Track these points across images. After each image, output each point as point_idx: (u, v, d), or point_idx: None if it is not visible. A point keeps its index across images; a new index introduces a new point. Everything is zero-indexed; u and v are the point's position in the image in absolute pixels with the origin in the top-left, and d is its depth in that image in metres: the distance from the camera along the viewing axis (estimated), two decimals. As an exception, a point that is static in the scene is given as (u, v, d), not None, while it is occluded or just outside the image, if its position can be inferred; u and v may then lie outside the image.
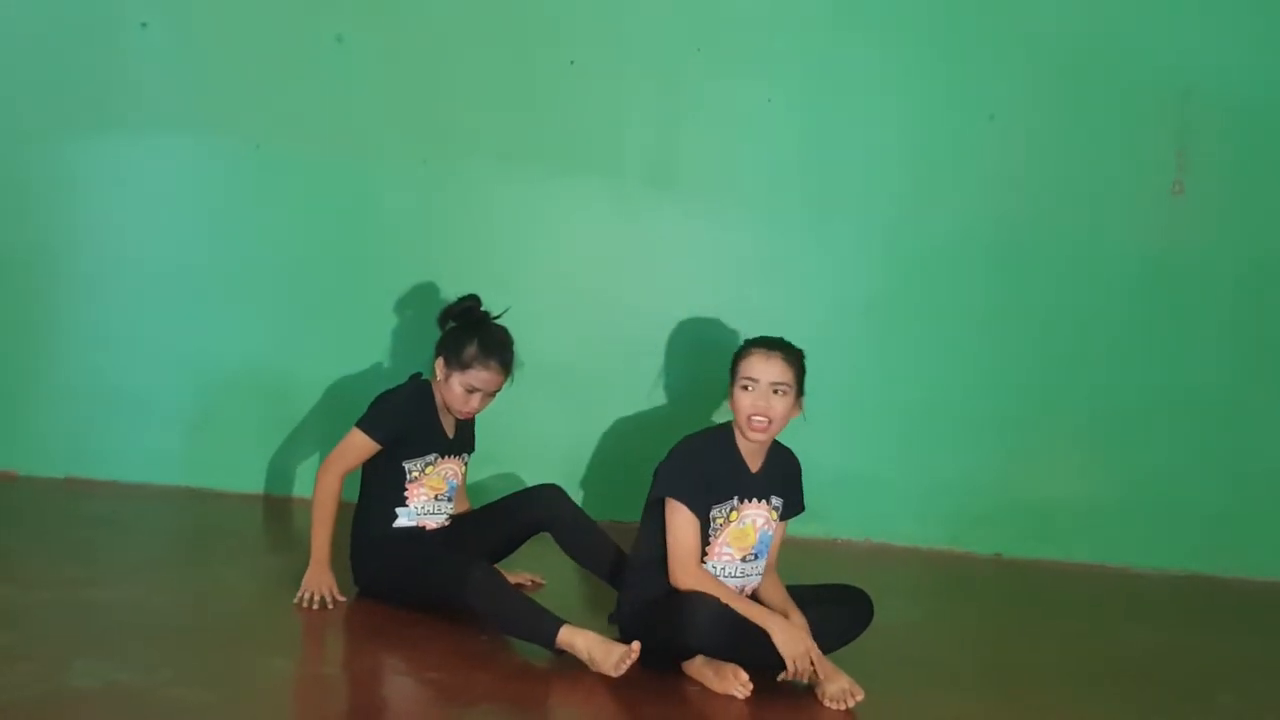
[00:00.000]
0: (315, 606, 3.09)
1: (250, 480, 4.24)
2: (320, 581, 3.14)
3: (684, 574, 2.86)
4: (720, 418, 3.06)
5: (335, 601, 3.12)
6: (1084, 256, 4.35)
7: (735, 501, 2.96)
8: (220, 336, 4.20)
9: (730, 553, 2.96)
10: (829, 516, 4.19)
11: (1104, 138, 4.32)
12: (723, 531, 2.95)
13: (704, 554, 2.94)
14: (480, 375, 3.21)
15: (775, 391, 2.91)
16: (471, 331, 3.23)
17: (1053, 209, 4.34)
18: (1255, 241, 4.37)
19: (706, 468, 2.92)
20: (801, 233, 4.30)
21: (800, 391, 2.97)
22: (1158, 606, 4.10)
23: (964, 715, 2.87)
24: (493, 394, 3.27)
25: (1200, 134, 4.33)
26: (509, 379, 3.28)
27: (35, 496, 4.03)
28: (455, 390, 3.22)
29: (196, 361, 4.21)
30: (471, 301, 3.29)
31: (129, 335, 4.19)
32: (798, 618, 2.87)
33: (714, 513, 2.93)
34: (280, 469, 4.25)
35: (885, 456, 4.35)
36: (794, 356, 2.96)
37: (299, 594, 3.12)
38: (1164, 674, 3.36)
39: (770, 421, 2.92)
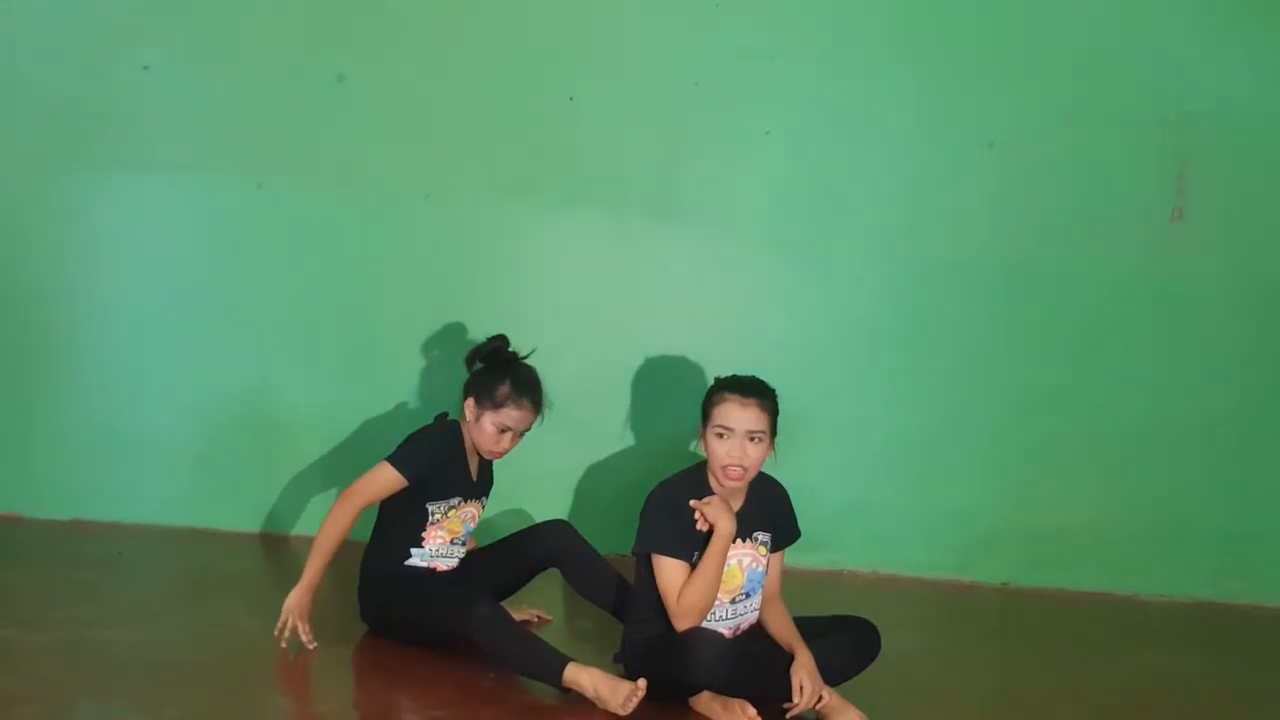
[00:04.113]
0: (284, 643, 3.03)
1: (255, 520, 4.23)
2: (298, 604, 3.05)
3: (686, 623, 2.85)
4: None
5: (306, 633, 3.04)
6: (1086, 282, 4.33)
7: None
8: (223, 376, 4.21)
9: (719, 596, 2.93)
10: (834, 546, 4.18)
11: (1103, 163, 4.31)
12: None
13: None
14: (513, 414, 3.21)
15: (751, 439, 2.88)
16: (502, 371, 3.24)
17: (1053, 235, 4.32)
18: (1258, 264, 4.35)
19: (684, 515, 2.88)
20: (803, 261, 4.29)
21: (774, 433, 2.94)
22: (1167, 634, 4.07)
23: (974, 747, 2.86)
24: (523, 434, 3.27)
25: (1200, 158, 4.32)
26: (539, 418, 3.28)
27: (40, 539, 4.03)
28: (487, 430, 3.22)
29: (200, 402, 4.21)
30: (500, 341, 3.30)
31: (132, 376, 4.20)
32: (804, 654, 2.83)
33: (696, 558, 2.89)
34: (284, 508, 4.24)
35: (890, 485, 4.33)
36: (769, 401, 2.92)
37: (279, 621, 3.05)
38: (1174, 703, 3.34)
39: (745, 470, 2.89)
